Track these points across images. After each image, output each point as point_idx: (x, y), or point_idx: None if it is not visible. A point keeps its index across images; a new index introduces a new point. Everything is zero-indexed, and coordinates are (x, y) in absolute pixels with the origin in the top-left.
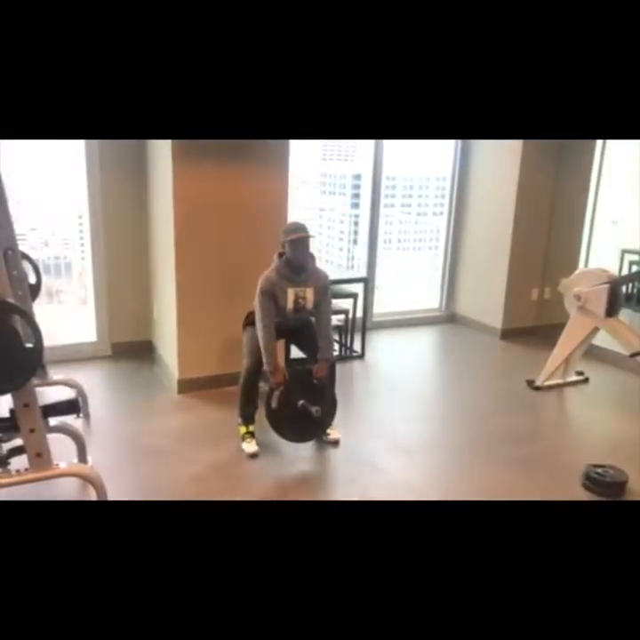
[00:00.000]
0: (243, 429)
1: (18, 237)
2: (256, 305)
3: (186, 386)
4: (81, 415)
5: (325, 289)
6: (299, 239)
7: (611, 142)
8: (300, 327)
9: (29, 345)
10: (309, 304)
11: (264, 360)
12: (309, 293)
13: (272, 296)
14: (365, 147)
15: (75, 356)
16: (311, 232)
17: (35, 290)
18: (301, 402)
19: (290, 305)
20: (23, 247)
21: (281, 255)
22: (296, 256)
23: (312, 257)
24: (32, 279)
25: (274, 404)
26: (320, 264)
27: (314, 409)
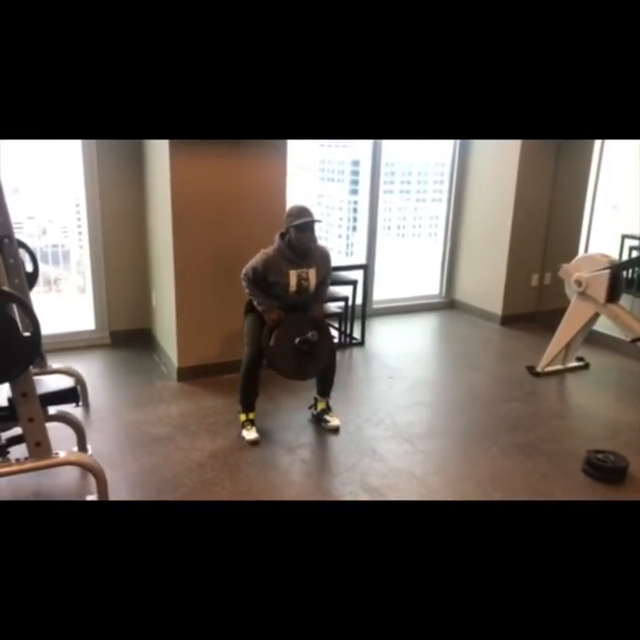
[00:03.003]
0: (243, 417)
1: (15, 226)
2: (243, 278)
3: (185, 374)
4: (80, 404)
5: (328, 267)
6: (304, 224)
7: None
8: (301, 307)
9: (27, 334)
10: (312, 285)
11: (255, 303)
12: (312, 274)
13: (262, 275)
14: None
15: (73, 344)
16: (315, 216)
17: (32, 278)
18: (298, 339)
19: (293, 287)
20: (20, 235)
21: (283, 236)
22: (301, 241)
23: (314, 239)
24: (29, 268)
25: (272, 342)
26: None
27: (310, 334)
